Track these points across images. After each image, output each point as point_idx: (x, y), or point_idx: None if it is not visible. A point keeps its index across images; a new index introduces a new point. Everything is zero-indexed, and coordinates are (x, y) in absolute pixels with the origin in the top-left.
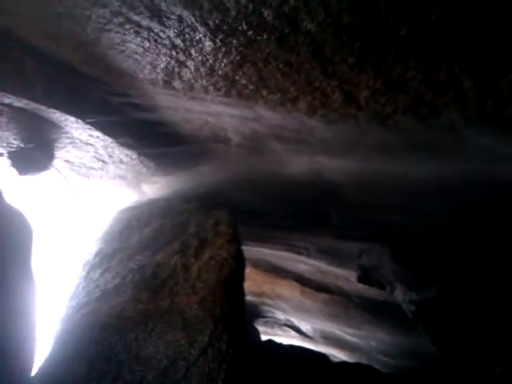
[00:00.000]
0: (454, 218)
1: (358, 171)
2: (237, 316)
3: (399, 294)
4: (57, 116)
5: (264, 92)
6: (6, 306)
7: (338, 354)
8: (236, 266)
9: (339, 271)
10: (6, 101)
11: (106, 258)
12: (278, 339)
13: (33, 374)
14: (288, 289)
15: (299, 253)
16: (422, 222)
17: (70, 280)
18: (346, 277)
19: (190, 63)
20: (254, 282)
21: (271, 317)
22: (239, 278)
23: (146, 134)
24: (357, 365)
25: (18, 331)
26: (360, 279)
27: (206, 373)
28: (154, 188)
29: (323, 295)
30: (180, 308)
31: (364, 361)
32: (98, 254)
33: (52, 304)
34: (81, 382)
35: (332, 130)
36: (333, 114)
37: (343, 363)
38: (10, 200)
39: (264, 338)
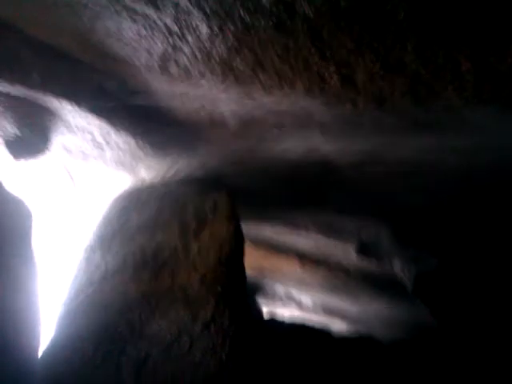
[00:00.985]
0: (453, 194)
1: (356, 152)
2: (238, 292)
3: (398, 268)
4: (53, 103)
5: (261, 77)
6: (9, 293)
7: (338, 326)
8: (235, 245)
9: (338, 246)
10: (2, 89)
11: (106, 241)
12: (278, 312)
13: (39, 355)
14: (288, 264)
15: (298, 229)
16: (422, 198)
17: (71, 263)
18: (345, 251)
19: (186, 49)
20: (254, 259)
21: (272, 291)
22: (239, 256)
23: (143, 119)
24: (358, 338)
25: (23, 316)
26: (359, 254)
27: (210, 347)
28: (151, 172)
29: (323, 269)
30: (181, 286)
31: (364, 331)
32: (98, 237)
33: (55, 287)
34: (86, 361)
35: (330, 113)
36: (331, 97)
37: (345, 338)
38: (9, 187)
39: (265, 311)
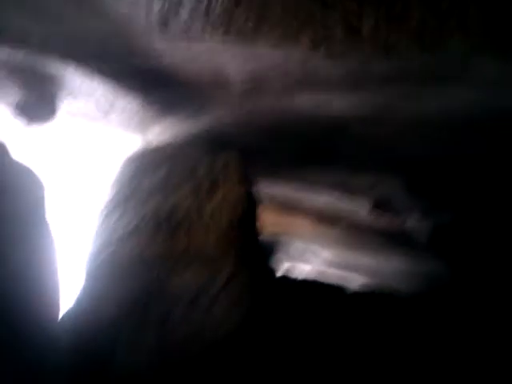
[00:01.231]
0: (466, 145)
1: (365, 105)
2: (254, 251)
3: (413, 221)
4: (57, 68)
5: (264, 28)
6: (28, 260)
7: (355, 280)
8: (249, 204)
9: (353, 203)
10: (3, 55)
11: (120, 205)
12: (295, 270)
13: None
14: (303, 222)
15: (313, 187)
16: (436, 150)
17: (87, 228)
18: (360, 208)
19: (186, 3)
20: (269, 218)
21: (288, 250)
22: (252, 215)
23: (147, 80)
24: (371, 293)
25: (43, 282)
26: (374, 209)
27: (229, 305)
28: (160, 134)
29: (338, 226)
30: (198, 246)
31: (381, 285)
32: (111, 201)
33: (72, 252)
34: (109, 321)
35: (337, 66)
36: (337, 49)
37: (358, 293)
38: (19, 157)
39: (282, 269)
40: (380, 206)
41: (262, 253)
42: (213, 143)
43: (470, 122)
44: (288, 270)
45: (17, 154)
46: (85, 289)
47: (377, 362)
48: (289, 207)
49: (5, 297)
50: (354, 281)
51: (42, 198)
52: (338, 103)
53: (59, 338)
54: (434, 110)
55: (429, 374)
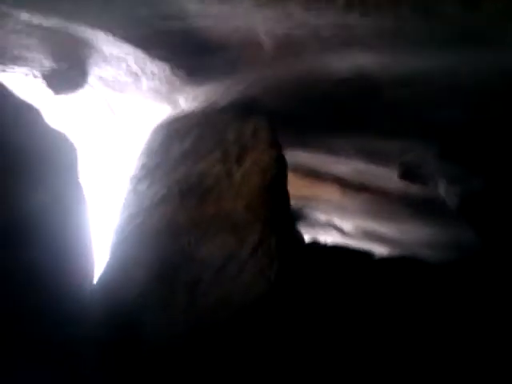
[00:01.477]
0: (499, 111)
1: (398, 67)
2: (283, 218)
3: (443, 189)
4: (87, 33)
5: None
6: (61, 223)
7: (380, 250)
8: (278, 170)
9: (380, 171)
10: (35, 21)
11: (150, 171)
12: (320, 239)
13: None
14: (328, 191)
15: (338, 155)
16: (469, 116)
17: (118, 193)
18: (386, 176)
19: None
20: (294, 187)
21: (313, 219)
22: (282, 181)
23: (178, 45)
24: (401, 258)
25: (76, 245)
26: (402, 177)
27: (258, 271)
28: (189, 100)
29: (364, 195)
30: (227, 213)
31: (406, 254)
32: (142, 167)
33: (104, 217)
34: (139, 287)
35: (371, 26)
36: (371, 8)
37: (387, 258)
38: (51, 122)
39: (307, 239)
40: (409, 173)
41: (290, 219)
42: (242, 109)
43: (506, 86)
44: (312, 239)
45: (50, 119)
46: (115, 256)
47: (404, 327)
48: (315, 175)
49: (38, 260)
50: (378, 252)
51: (75, 161)
52: (371, 65)
53: (91, 304)
54: (471, 73)
55: (454, 341)
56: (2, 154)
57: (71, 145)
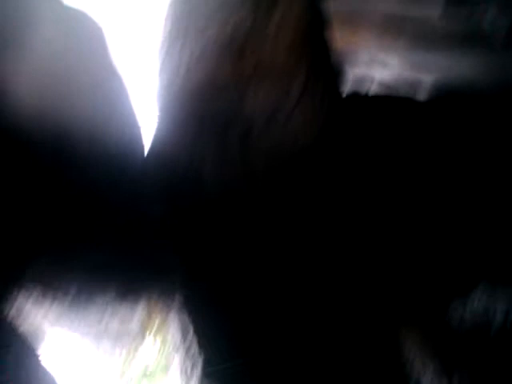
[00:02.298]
0: None
1: None
2: (325, 65)
3: (491, 19)
4: None
5: None
6: (100, 98)
7: (426, 83)
8: (314, 15)
9: (422, 6)
10: None
11: (179, 36)
12: (365, 77)
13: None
14: (368, 36)
15: None
16: None
17: (151, 62)
18: (431, 7)
19: None
20: (332, 35)
21: (356, 58)
22: (320, 26)
23: None
24: (445, 97)
25: (124, 120)
26: (446, 8)
27: (305, 119)
28: None
29: (407, 29)
30: (267, 64)
31: (451, 87)
32: (169, 34)
33: (142, 87)
34: (193, 142)
35: None
36: None
37: (431, 100)
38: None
39: (351, 78)
40: (454, 1)
41: (333, 67)
42: None
43: None
44: (356, 82)
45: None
46: (162, 122)
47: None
48: (352, 20)
49: (92, 136)
50: (424, 84)
51: (104, 39)
52: None
53: (148, 171)
54: None
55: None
56: None
57: (96, 24)
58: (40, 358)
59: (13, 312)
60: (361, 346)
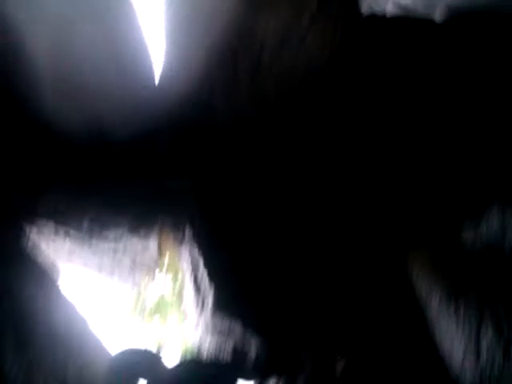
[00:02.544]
0: None
1: None
2: None
3: None
4: None
5: None
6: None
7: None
8: None
9: None
10: None
11: None
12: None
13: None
14: None
15: None
16: None
17: None
18: None
19: None
20: None
21: None
22: None
23: None
24: (467, 20)
25: (129, 48)
26: None
27: (320, 41)
28: None
29: None
30: None
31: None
32: None
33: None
34: (202, 76)
35: None
36: None
37: (451, 21)
38: None
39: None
40: None
41: None
42: None
43: None
44: (371, 3)
45: None
46: (172, 51)
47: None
48: None
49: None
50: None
51: None
52: None
53: (159, 100)
54: None
55: None
56: None
57: None
58: (60, 289)
59: (30, 245)
60: (368, 268)
